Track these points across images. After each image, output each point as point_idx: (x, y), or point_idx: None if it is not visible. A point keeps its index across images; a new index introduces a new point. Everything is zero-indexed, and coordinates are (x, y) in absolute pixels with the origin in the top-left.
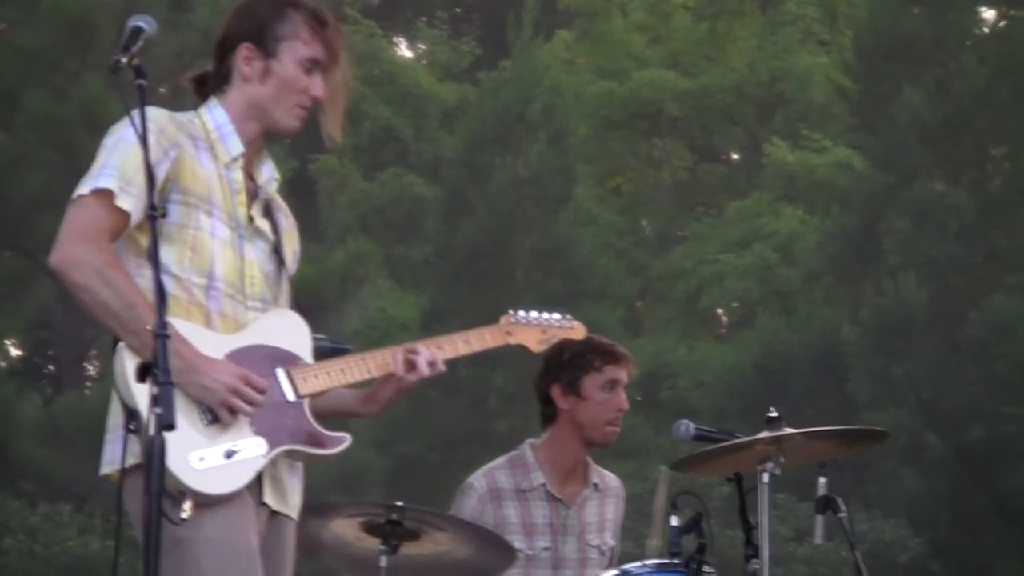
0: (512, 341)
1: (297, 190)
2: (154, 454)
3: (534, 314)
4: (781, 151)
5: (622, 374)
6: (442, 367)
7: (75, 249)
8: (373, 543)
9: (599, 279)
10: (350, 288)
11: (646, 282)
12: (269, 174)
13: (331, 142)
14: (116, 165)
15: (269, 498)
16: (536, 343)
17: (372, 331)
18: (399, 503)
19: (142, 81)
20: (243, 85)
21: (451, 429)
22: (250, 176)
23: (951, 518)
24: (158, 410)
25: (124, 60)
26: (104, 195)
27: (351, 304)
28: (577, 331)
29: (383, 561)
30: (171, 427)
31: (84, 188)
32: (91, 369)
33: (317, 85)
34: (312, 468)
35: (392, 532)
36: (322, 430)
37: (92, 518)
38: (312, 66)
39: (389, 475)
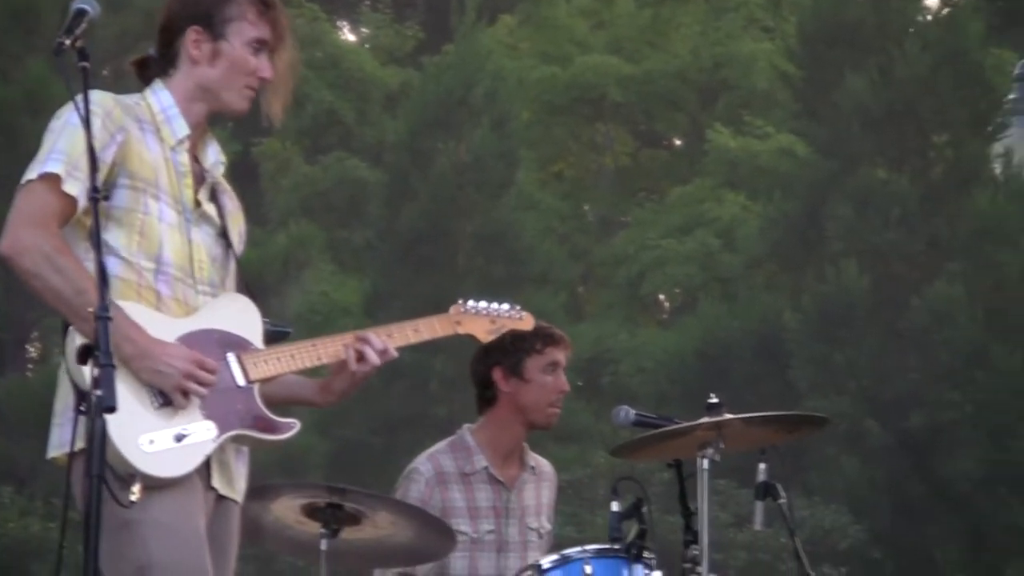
0: (461, 331)
1: (240, 174)
2: (95, 436)
3: (483, 304)
4: (724, 137)
5: (562, 356)
6: (394, 354)
7: (24, 235)
8: (314, 527)
9: (541, 264)
10: (292, 272)
11: (588, 267)
12: (215, 157)
13: (272, 123)
14: (63, 149)
15: (217, 482)
16: (485, 333)
17: (314, 315)
18: (340, 486)
19: (85, 63)
20: (192, 68)
21: (392, 413)
22: (196, 159)
23: (892, 505)
24: (99, 392)
25: (67, 42)
26: (51, 180)
27: (293, 288)
28: (525, 322)
29: (324, 544)
30: (112, 409)
31: (31, 173)
32: (33, 352)
33: (265, 66)
34: (253, 451)
35: (333, 516)
36: (271, 415)
37: (33, 500)
38: (260, 47)
39: (330, 459)
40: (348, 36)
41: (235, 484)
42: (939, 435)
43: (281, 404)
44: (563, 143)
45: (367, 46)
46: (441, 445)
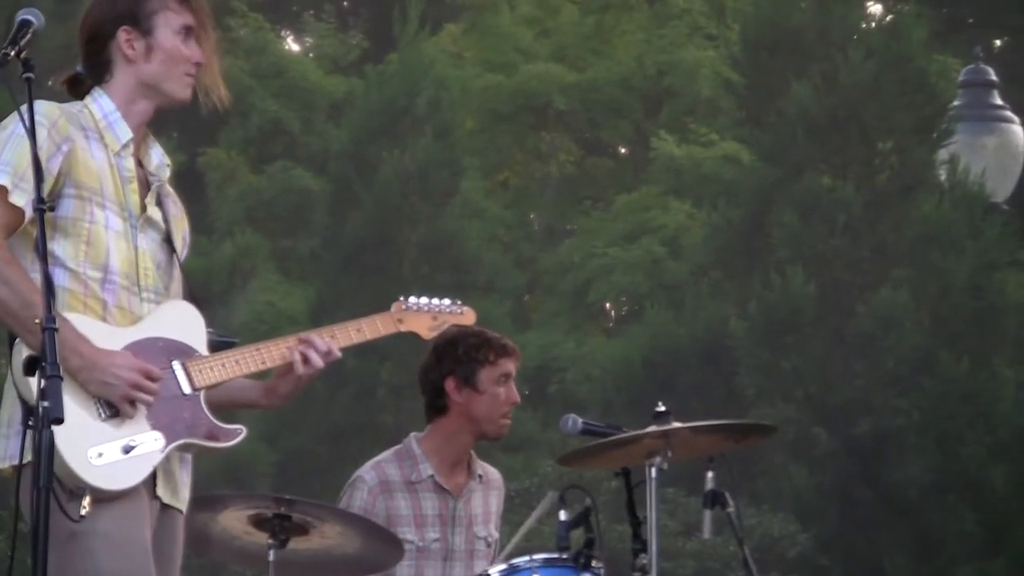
0: (403, 328)
1: (186, 183)
2: (43, 448)
3: (424, 300)
4: (668, 145)
5: (513, 367)
6: (337, 354)
7: None
8: (261, 537)
9: (487, 272)
10: (238, 281)
11: (534, 276)
12: (159, 159)
13: (221, 104)
14: (8, 161)
15: (162, 491)
16: (427, 329)
17: (260, 324)
18: (287, 496)
19: (30, 74)
20: (128, 68)
21: (338, 422)
22: (139, 163)
23: (840, 512)
24: (45, 403)
25: (12, 53)
26: None
27: (239, 297)
28: (467, 316)
29: (271, 555)
30: (59, 420)
31: None
32: None
33: (196, 51)
34: (200, 460)
35: (281, 526)
36: (218, 423)
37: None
38: (187, 33)
39: (277, 468)
40: (292, 46)
41: (179, 493)
42: (886, 442)
43: (227, 408)
44: (508, 151)
45: (311, 55)
46: (387, 454)
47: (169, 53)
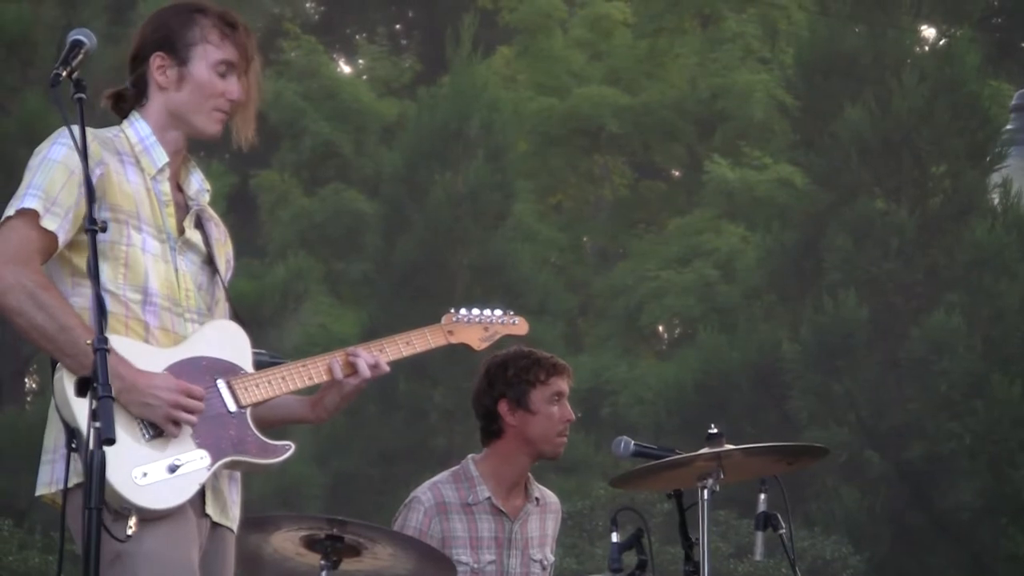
0: (454, 340)
1: (237, 205)
2: (94, 469)
3: (476, 311)
4: (722, 168)
5: (565, 385)
6: (385, 368)
7: (6, 273)
8: (313, 559)
9: (539, 295)
10: (290, 304)
11: (586, 299)
12: (199, 184)
13: (247, 144)
14: (39, 185)
15: (211, 509)
16: (478, 341)
17: (313, 347)
18: (340, 518)
19: (82, 95)
20: (160, 94)
21: (390, 444)
22: (179, 188)
23: (891, 535)
24: (97, 424)
25: (64, 74)
26: (29, 216)
27: (291, 320)
28: (520, 326)
29: None
30: (111, 441)
31: (10, 210)
32: (30, 384)
33: (233, 88)
34: (251, 482)
35: (332, 547)
36: (265, 439)
37: (32, 534)
38: (226, 69)
39: (328, 490)
40: (344, 68)
41: (229, 511)
42: (938, 465)
43: (275, 425)
44: (561, 174)
45: (364, 78)
46: (444, 475)
47: (200, 85)
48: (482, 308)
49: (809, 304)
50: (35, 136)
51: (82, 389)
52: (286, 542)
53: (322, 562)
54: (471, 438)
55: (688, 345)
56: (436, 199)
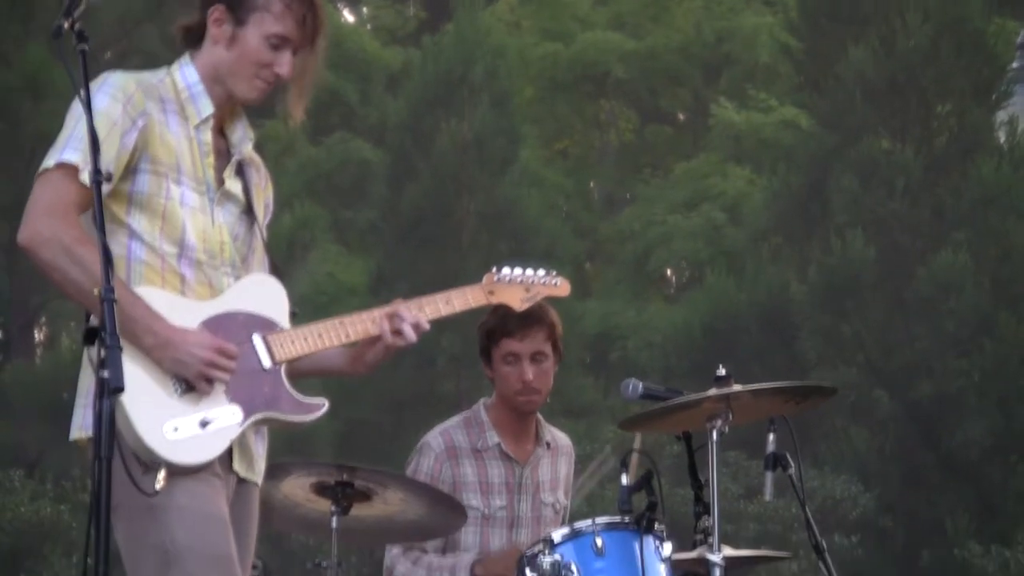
0: (494, 300)
1: None
2: (103, 418)
3: (518, 271)
4: (727, 111)
5: (520, 347)
6: (426, 326)
7: (42, 226)
8: (324, 505)
9: (546, 241)
10: (298, 253)
11: (594, 244)
12: (243, 131)
13: (293, 123)
14: (80, 137)
15: (238, 465)
16: (519, 301)
17: (320, 296)
18: (350, 464)
19: (84, 46)
20: (212, 47)
21: (399, 391)
22: (222, 134)
23: (901, 474)
24: (105, 374)
25: (66, 25)
26: (68, 169)
27: (299, 269)
28: (561, 288)
29: (334, 522)
30: (120, 390)
31: (49, 161)
32: (40, 336)
33: (284, 63)
34: (267, 431)
35: (343, 493)
36: (299, 396)
37: (44, 484)
38: (280, 43)
39: (339, 437)
40: (348, 17)
41: (255, 465)
42: (947, 404)
43: (312, 376)
44: (567, 120)
45: (368, 26)
46: (455, 419)
47: (246, 52)
48: (524, 267)
49: (816, 245)
50: (39, 88)
51: (89, 338)
52: (296, 489)
53: (332, 508)
54: (479, 383)
55: (696, 288)
56: (442, 147)
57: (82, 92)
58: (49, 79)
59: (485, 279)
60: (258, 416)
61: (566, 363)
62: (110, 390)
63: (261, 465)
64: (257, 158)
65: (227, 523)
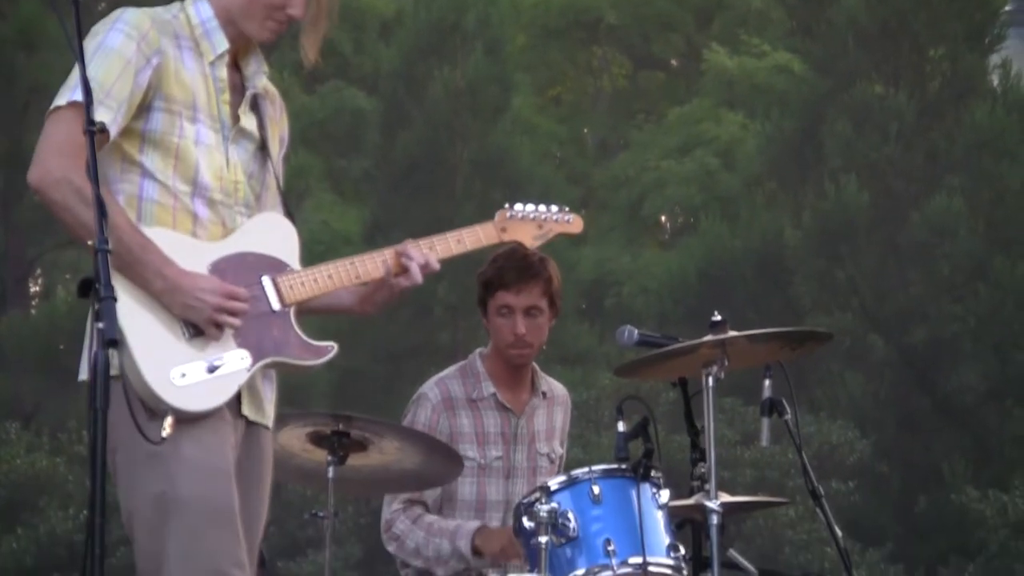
0: (506, 237)
1: None
2: (98, 369)
3: (531, 207)
4: (720, 57)
5: (515, 300)
6: (436, 266)
7: (53, 167)
8: (320, 455)
9: (539, 188)
10: (292, 201)
11: (588, 191)
12: (257, 65)
13: (309, 65)
14: (93, 76)
15: (247, 409)
16: (531, 239)
17: (316, 244)
18: (346, 413)
19: None
20: None
21: (396, 341)
22: (237, 68)
23: (896, 419)
24: (100, 325)
25: None
26: (80, 108)
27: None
28: (575, 224)
29: (330, 472)
30: (113, 343)
31: (61, 99)
32: (35, 288)
33: (297, 4)
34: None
35: (339, 443)
36: (307, 340)
37: (40, 436)
38: None
39: (335, 387)
40: None
41: (264, 408)
42: (942, 349)
43: (319, 313)
44: (559, 67)
45: None
46: (451, 370)
47: None
48: (537, 203)
49: (810, 191)
50: (32, 40)
51: (83, 290)
52: (292, 439)
53: (329, 458)
54: (476, 333)
55: (690, 234)
56: (435, 94)
57: (74, 43)
58: (43, 31)
59: (497, 216)
60: (267, 361)
61: (561, 310)
62: (105, 342)
63: (271, 409)
64: (272, 89)
65: (231, 475)
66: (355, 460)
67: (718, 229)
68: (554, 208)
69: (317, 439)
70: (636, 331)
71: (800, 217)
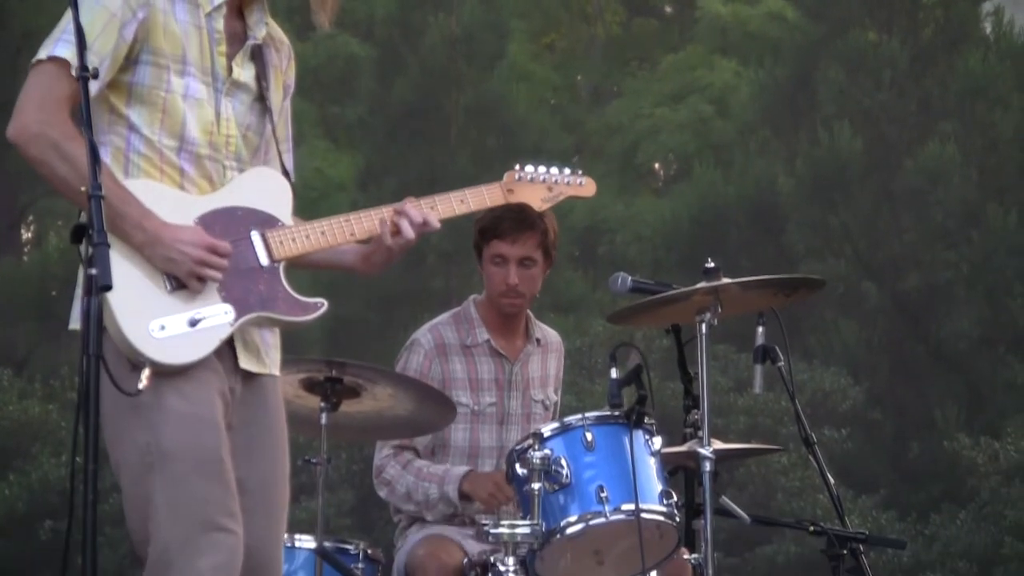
0: (513, 199)
1: None
2: (91, 316)
3: (542, 169)
4: (714, 4)
5: (510, 250)
6: (435, 225)
7: (31, 122)
8: (313, 401)
9: (534, 135)
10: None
11: (582, 138)
12: (259, 14)
13: (320, 27)
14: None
15: (245, 362)
16: (540, 201)
17: (310, 191)
18: (339, 359)
19: None
20: None
21: (389, 288)
22: (241, 17)
23: (890, 366)
24: (93, 271)
25: None
26: (61, 62)
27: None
28: (587, 187)
29: (323, 418)
30: (107, 288)
31: (43, 52)
32: (27, 235)
33: None
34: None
35: (332, 389)
36: (296, 296)
37: (32, 383)
38: None
39: (328, 334)
40: None
41: (266, 358)
42: (936, 295)
43: (321, 268)
44: (554, 14)
45: None
46: (445, 316)
47: None
48: (548, 165)
49: (803, 138)
50: None
51: (76, 236)
52: (285, 385)
53: (322, 404)
54: (469, 280)
55: (684, 182)
56: (430, 41)
57: None
58: None
59: (506, 177)
60: (251, 316)
61: (556, 260)
62: (97, 288)
63: (275, 355)
64: (278, 34)
65: (217, 426)
66: (348, 406)
67: (711, 176)
68: (566, 171)
69: (310, 385)
70: (629, 278)
71: (793, 164)
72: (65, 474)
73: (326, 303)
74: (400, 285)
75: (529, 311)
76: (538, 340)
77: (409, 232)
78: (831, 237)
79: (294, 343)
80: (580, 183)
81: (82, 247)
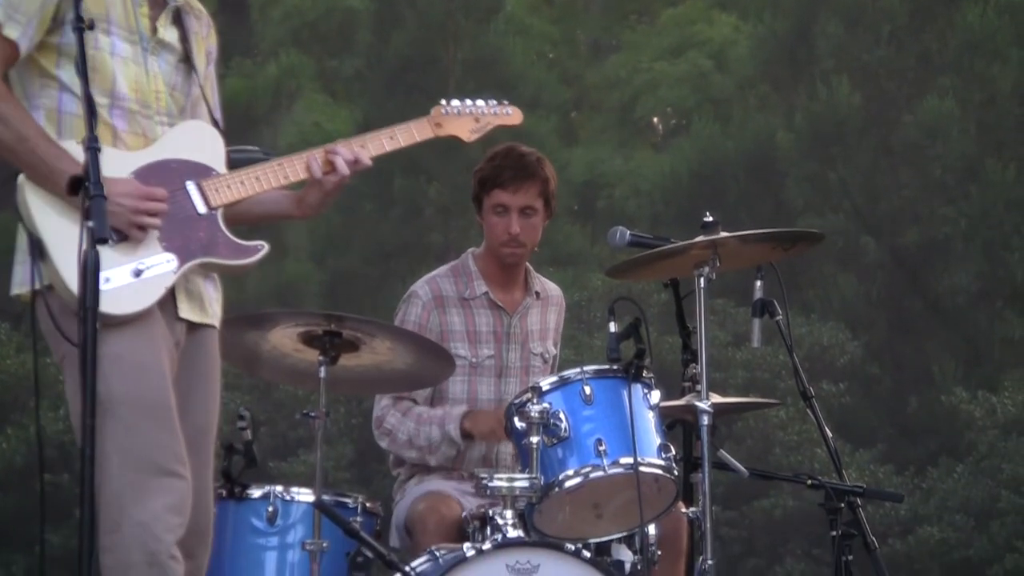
0: (442, 133)
1: (228, 5)
2: (88, 268)
3: (468, 102)
4: None
5: (511, 199)
6: (367, 163)
7: None
8: (311, 354)
9: (532, 89)
10: (284, 102)
11: (580, 92)
12: None
13: None
14: None
15: (186, 312)
16: (468, 132)
17: (307, 145)
18: (337, 313)
19: None
20: None
21: (387, 241)
22: None
23: (888, 320)
24: (91, 223)
25: None
26: None
27: (285, 118)
28: (513, 117)
29: (322, 372)
30: (105, 240)
31: None
32: None
33: None
34: (247, 281)
35: (331, 343)
36: (236, 240)
37: (30, 337)
38: None
39: (327, 287)
40: None
41: (208, 308)
42: (934, 250)
43: (259, 221)
44: None
45: None
46: (443, 269)
47: None
48: (475, 99)
49: (802, 92)
50: None
51: (73, 188)
52: (284, 338)
53: (320, 358)
54: (466, 233)
55: (683, 136)
56: None
57: None
58: None
59: (433, 112)
60: (194, 262)
61: (556, 211)
62: (95, 240)
63: (216, 308)
64: (197, 5)
65: (163, 373)
66: (346, 360)
67: (710, 131)
68: (492, 102)
69: (308, 339)
70: (628, 232)
71: (792, 119)
72: (63, 428)
73: (267, 245)
74: (398, 239)
75: (528, 264)
76: (537, 293)
77: (344, 168)
78: (830, 192)
79: (292, 296)
80: (508, 112)
81: (30, 198)
